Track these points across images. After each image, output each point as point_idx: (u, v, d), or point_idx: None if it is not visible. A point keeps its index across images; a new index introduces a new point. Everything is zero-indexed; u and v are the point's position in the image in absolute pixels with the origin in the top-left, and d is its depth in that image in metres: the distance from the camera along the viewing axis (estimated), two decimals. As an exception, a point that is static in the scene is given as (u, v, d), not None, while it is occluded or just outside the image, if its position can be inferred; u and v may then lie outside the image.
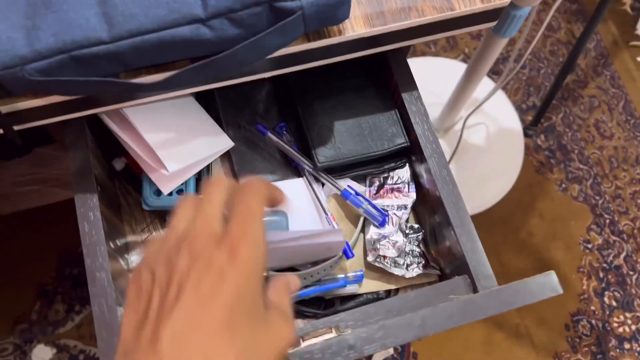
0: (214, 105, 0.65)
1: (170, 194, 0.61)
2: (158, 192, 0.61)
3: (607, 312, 1.36)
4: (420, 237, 0.62)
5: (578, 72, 1.62)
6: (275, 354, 0.32)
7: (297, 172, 0.64)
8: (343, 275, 0.60)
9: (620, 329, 1.35)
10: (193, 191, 0.62)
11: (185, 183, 0.61)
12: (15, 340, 1.27)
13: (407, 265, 0.60)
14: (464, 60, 1.60)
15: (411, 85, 0.61)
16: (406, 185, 0.64)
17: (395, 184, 0.64)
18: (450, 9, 0.53)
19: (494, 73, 1.58)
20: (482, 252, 0.55)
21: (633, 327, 1.35)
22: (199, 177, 0.63)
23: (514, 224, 1.44)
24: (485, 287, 0.53)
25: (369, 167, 0.64)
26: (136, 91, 0.45)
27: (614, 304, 1.37)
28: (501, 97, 1.54)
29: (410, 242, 0.62)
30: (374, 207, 0.61)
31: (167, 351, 0.28)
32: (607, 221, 1.46)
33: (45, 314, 1.29)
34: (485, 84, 1.51)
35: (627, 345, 1.34)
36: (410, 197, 0.63)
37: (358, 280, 0.59)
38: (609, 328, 1.35)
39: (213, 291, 0.30)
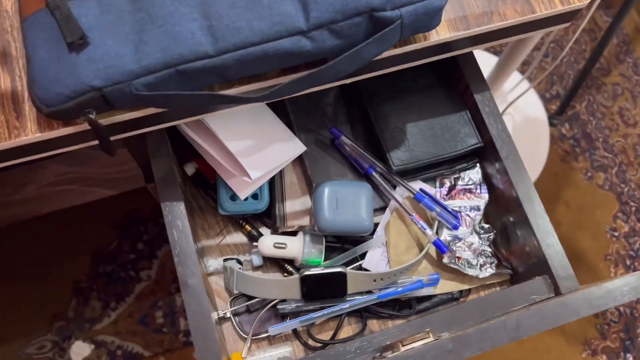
0: (284, 110, 0.65)
1: (246, 198, 0.61)
2: (233, 197, 0.61)
3: (635, 299, 1.38)
4: (491, 237, 0.63)
5: (601, 59, 1.62)
6: None
7: (367, 175, 0.64)
8: (419, 278, 0.61)
9: (648, 315, 1.37)
10: (267, 194, 0.62)
11: (260, 187, 0.62)
12: (53, 337, 1.28)
13: (481, 266, 0.61)
14: (487, 50, 1.60)
15: (483, 85, 0.62)
16: (478, 186, 0.64)
17: (467, 185, 0.64)
18: (531, 11, 0.54)
19: (522, 64, 1.58)
20: (562, 252, 0.56)
21: (661, 313, 1.37)
22: (271, 181, 0.63)
23: (542, 214, 1.45)
24: (567, 287, 0.54)
25: (441, 168, 0.64)
26: (237, 103, 0.45)
27: (642, 290, 1.39)
28: (526, 86, 1.54)
29: (482, 243, 0.62)
30: (448, 210, 0.62)
31: None
32: (633, 209, 1.47)
33: (82, 311, 1.30)
34: (512, 76, 1.51)
35: (654, 331, 1.36)
36: (482, 198, 0.64)
37: (434, 283, 0.60)
38: (636, 314, 1.37)
39: None
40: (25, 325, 1.28)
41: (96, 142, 0.49)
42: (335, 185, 0.60)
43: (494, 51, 1.58)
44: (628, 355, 1.32)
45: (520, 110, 1.51)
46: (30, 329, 1.28)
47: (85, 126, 0.46)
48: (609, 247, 1.43)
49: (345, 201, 0.59)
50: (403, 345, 0.48)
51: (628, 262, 1.42)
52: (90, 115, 0.43)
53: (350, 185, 0.61)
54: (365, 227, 0.60)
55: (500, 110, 1.35)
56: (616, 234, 1.44)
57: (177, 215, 0.54)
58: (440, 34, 0.52)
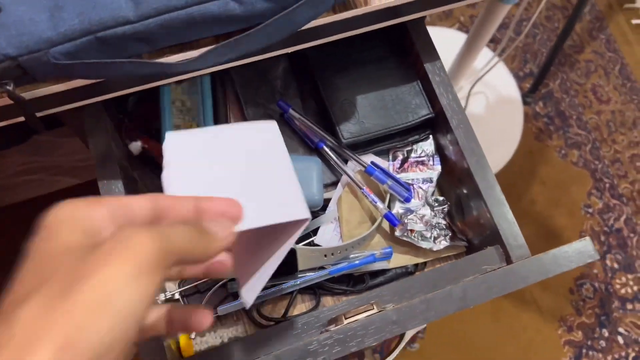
0: (232, 83, 0.63)
1: None
2: None
3: (610, 275, 1.39)
4: (445, 209, 0.62)
5: (574, 36, 1.62)
6: None
7: (317, 149, 0.63)
8: (372, 252, 0.59)
9: (623, 291, 1.38)
10: None
11: None
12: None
13: (435, 238, 0.60)
14: (460, 29, 1.58)
15: (433, 55, 0.60)
16: (430, 158, 0.63)
17: (420, 157, 0.63)
18: (476, -26, 0.52)
19: (491, 41, 1.57)
20: (513, 221, 0.55)
21: (635, 288, 1.38)
22: None
23: (517, 192, 1.45)
24: (519, 256, 0.53)
25: (393, 140, 0.63)
26: (164, 71, 0.43)
27: (616, 266, 1.40)
28: (499, 65, 1.53)
29: (436, 215, 0.61)
30: (400, 182, 0.61)
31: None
32: (607, 185, 1.47)
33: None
34: (483, 53, 1.50)
35: (629, 306, 1.36)
36: (435, 170, 0.63)
37: (387, 257, 0.59)
38: (611, 290, 1.38)
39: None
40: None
41: (22, 118, 0.47)
42: None
43: (464, 29, 1.57)
44: (604, 330, 1.33)
45: (494, 88, 1.50)
46: None
47: (7, 100, 0.44)
48: (583, 224, 1.43)
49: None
50: (346, 318, 0.46)
51: (602, 238, 1.42)
52: (8, 87, 0.41)
53: (300, 160, 0.59)
54: (315, 202, 0.59)
55: (470, 86, 1.34)
56: (590, 210, 1.45)
57: (114, 194, 0.52)
58: (382, -2, 0.51)
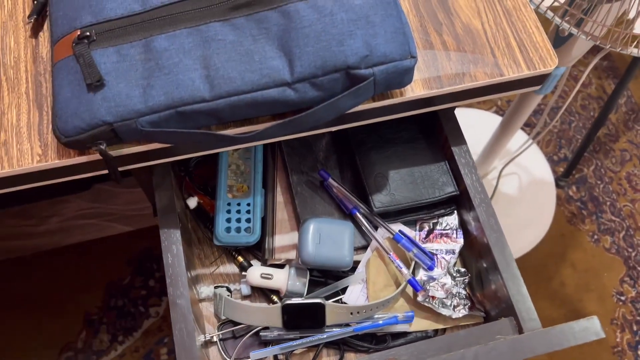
0: (281, 153, 0.72)
1: (239, 231, 0.67)
2: (228, 229, 0.67)
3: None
4: (466, 280, 0.67)
5: (609, 126, 1.67)
6: None
7: (351, 215, 0.70)
8: (395, 314, 0.64)
9: (655, 384, 1.34)
10: (259, 228, 0.68)
11: (253, 221, 0.68)
12: (61, 367, 1.33)
13: (454, 307, 0.65)
14: (496, 112, 1.66)
15: (460, 139, 0.67)
16: (454, 232, 0.69)
17: (444, 229, 0.69)
18: (499, 74, 0.60)
19: (526, 125, 1.64)
20: (527, 296, 0.59)
21: (668, 382, 1.34)
22: (264, 216, 0.69)
23: (547, 274, 1.46)
24: (531, 328, 0.58)
25: (420, 213, 0.70)
26: (227, 142, 0.52)
27: (648, 358, 1.37)
28: (533, 148, 1.59)
29: (457, 285, 0.66)
30: (424, 251, 0.66)
31: None
32: (640, 274, 1.47)
33: (91, 342, 1.35)
34: (517, 136, 1.57)
35: (662, 401, 1.32)
36: (458, 242, 0.68)
37: (409, 320, 0.64)
38: (641, 380, 1.34)
39: None
40: (34, 353, 1.33)
41: (106, 170, 0.56)
42: (320, 222, 0.65)
43: (501, 112, 1.65)
44: None
45: (527, 170, 1.55)
46: (40, 358, 1.33)
47: (97, 156, 0.54)
48: (615, 311, 1.42)
49: (328, 237, 0.64)
50: None
51: (635, 328, 1.40)
52: (101, 146, 0.50)
53: (334, 223, 0.66)
54: (345, 262, 0.65)
55: (502, 167, 1.39)
56: (623, 298, 1.44)
57: (172, 241, 0.60)
58: (415, 90, 0.59)
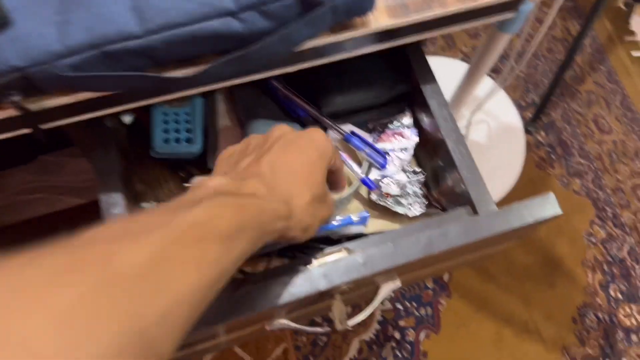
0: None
1: (179, 141, 0.61)
2: (166, 140, 0.61)
3: (614, 305, 1.37)
4: (422, 179, 0.64)
5: (575, 68, 1.64)
6: (321, 222, 0.43)
7: (299, 120, 0.66)
8: (349, 215, 0.61)
9: (627, 322, 1.36)
10: (200, 137, 0.62)
11: (194, 130, 0.62)
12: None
13: (410, 205, 0.63)
14: (462, 60, 1.61)
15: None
16: (407, 129, 0.66)
17: (397, 128, 0.66)
18: (472, -1, 0.54)
19: (493, 71, 1.59)
20: (484, 185, 0.57)
21: None
22: (206, 125, 0.63)
23: (518, 220, 1.44)
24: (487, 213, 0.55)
25: (372, 112, 0.66)
26: (167, 86, 0.45)
27: (620, 296, 1.38)
28: (501, 95, 1.55)
29: (412, 185, 0.64)
30: (376, 149, 0.63)
31: (265, 169, 0.40)
32: (610, 214, 1.47)
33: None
34: (484, 83, 1.52)
35: (634, 338, 1.34)
36: (411, 140, 0.65)
37: (363, 221, 0.60)
38: (615, 321, 1.36)
39: (294, 151, 0.42)
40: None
41: (28, 130, 0.48)
42: (265, 125, 0.61)
43: (467, 60, 1.60)
44: (608, 362, 1.31)
45: (496, 117, 1.51)
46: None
47: (14, 112, 0.46)
48: (586, 253, 1.42)
49: None
50: (316, 260, 0.48)
51: (606, 268, 1.41)
52: (14, 97, 0.42)
53: (279, 123, 0.62)
54: None
55: (470, 115, 1.35)
56: (593, 239, 1.44)
57: (115, 205, 0.53)
58: (379, 20, 0.52)
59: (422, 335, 1.29)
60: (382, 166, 0.63)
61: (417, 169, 0.65)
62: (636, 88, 1.62)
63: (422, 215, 0.62)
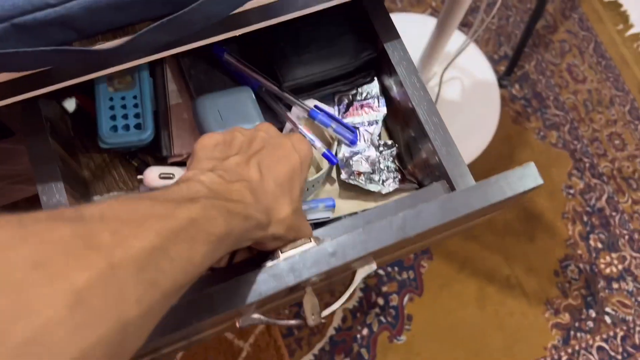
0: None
1: (127, 128, 0.56)
2: (114, 128, 0.56)
3: (594, 255, 1.38)
4: (394, 152, 0.60)
5: (547, 17, 1.60)
6: (304, 234, 0.45)
7: (258, 96, 0.61)
8: (317, 200, 0.57)
9: (608, 270, 1.37)
10: (151, 122, 0.57)
11: (143, 115, 0.57)
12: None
13: (383, 181, 0.59)
14: (432, 15, 1.56)
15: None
16: (376, 100, 0.61)
17: (365, 99, 0.62)
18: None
19: (464, 25, 1.55)
20: (459, 156, 0.53)
21: (620, 267, 1.37)
22: (155, 109, 0.59)
23: (497, 177, 1.42)
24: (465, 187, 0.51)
25: (337, 84, 0.61)
26: (95, 60, 0.40)
27: (600, 246, 1.38)
28: (473, 49, 1.51)
29: (384, 159, 0.60)
30: (344, 124, 0.59)
31: (253, 174, 0.41)
32: (587, 165, 1.46)
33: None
34: (455, 37, 1.48)
35: (615, 285, 1.35)
36: (380, 111, 0.61)
37: (330, 207, 0.56)
38: (596, 270, 1.36)
39: (281, 159, 0.43)
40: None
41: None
42: (214, 97, 0.56)
43: (436, 15, 1.54)
44: (590, 311, 1.32)
45: (469, 73, 1.47)
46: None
47: None
48: (565, 205, 1.41)
49: (229, 110, 0.55)
50: (282, 253, 0.44)
51: (585, 219, 1.41)
52: None
53: (230, 93, 0.57)
54: None
55: (442, 71, 1.31)
56: (572, 191, 1.43)
57: (53, 193, 0.48)
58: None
59: (405, 299, 1.28)
60: (353, 143, 0.59)
61: (389, 141, 0.61)
62: (609, 34, 1.59)
63: (396, 190, 0.58)
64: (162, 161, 0.60)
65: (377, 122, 0.61)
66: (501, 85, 1.50)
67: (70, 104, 0.59)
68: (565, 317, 1.31)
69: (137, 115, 0.57)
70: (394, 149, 0.60)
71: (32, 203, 1.19)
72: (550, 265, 1.36)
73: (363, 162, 0.58)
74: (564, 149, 1.47)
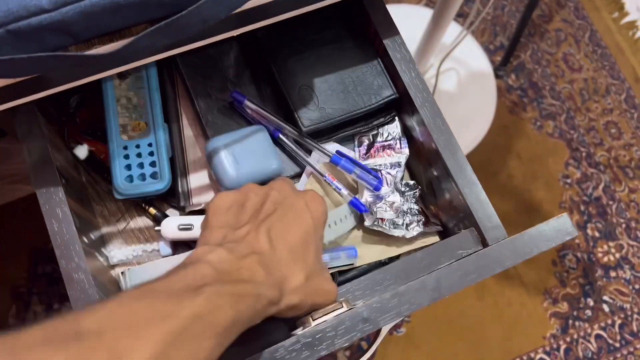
0: (180, 76, 0.58)
1: (143, 178, 0.55)
2: (129, 178, 0.55)
3: (591, 244, 1.38)
4: (417, 194, 0.59)
5: (542, 6, 1.59)
6: (324, 302, 0.44)
7: (275, 141, 0.59)
8: (339, 247, 0.56)
9: (605, 259, 1.37)
10: (168, 172, 0.56)
11: (159, 164, 0.56)
12: (-5, 348, 1.21)
13: (407, 225, 0.57)
14: (427, 6, 1.55)
15: (392, 30, 0.56)
16: (397, 141, 0.60)
17: (386, 140, 0.60)
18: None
19: (459, 15, 1.54)
20: (487, 201, 0.52)
21: (617, 255, 1.37)
22: (172, 157, 0.57)
23: (493, 168, 1.42)
24: (495, 238, 0.50)
25: (357, 125, 0.59)
26: (91, 65, 0.39)
27: (597, 234, 1.39)
28: (469, 40, 1.50)
29: (407, 201, 0.58)
30: (367, 169, 0.57)
31: (263, 244, 0.41)
32: (584, 154, 1.46)
33: (23, 317, 1.23)
34: (451, 28, 1.47)
35: (612, 274, 1.36)
36: (403, 153, 0.59)
37: (352, 256, 0.55)
38: (594, 259, 1.37)
39: (294, 223, 0.43)
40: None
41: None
42: (227, 139, 0.54)
43: (431, 5, 1.53)
44: (589, 299, 1.32)
45: (465, 64, 1.47)
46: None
47: None
48: (562, 195, 1.42)
49: (244, 151, 0.54)
50: (314, 320, 0.43)
51: (582, 208, 1.41)
52: None
53: (243, 133, 0.55)
54: (274, 169, 0.55)
55: (439, 63, 1.30)
56: (569, 181, 1.43)
57: (56, 203, 0.48)
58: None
59: (405, 292, 1.28)
60: (377, 188, 0.57)
61: (410, 182, 0.59)
62: (604, 22, 1.59)
63: (421, 234, 0.57)
64: (179, 208, 0.59)
65: (399, 165, 0.59)
66: (497, 76, 1.49)
67: (82, 151, 0.57)
68: (564, 306, 1.32)
69: (152, 164, 0.55)
70: (417, 190, 0.59)
71: (29, 203, 1.18)
72: (548, 256, 1.36)
73: (387, 209, 0.56)
74: (561, 139, 1.47)
